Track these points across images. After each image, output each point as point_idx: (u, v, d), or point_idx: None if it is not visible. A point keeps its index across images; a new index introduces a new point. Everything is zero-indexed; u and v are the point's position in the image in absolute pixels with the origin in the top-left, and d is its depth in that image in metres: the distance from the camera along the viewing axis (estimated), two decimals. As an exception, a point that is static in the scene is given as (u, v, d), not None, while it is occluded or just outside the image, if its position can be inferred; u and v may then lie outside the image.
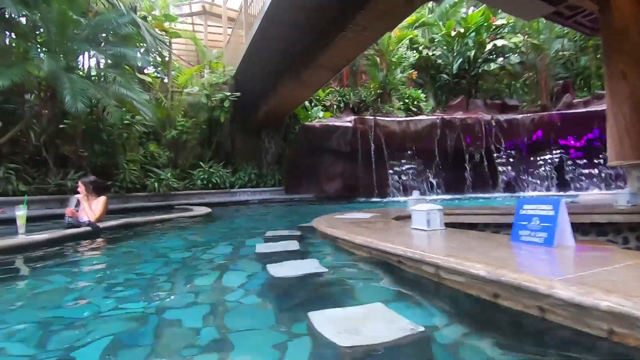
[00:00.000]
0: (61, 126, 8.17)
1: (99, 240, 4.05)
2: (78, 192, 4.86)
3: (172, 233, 4.70)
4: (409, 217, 4.12)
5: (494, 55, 14.82)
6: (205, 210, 6.80)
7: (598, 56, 14.78)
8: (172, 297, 1.93)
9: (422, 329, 1.18)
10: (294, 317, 1.48)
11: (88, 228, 4.13)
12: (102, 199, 4.89)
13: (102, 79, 7.56)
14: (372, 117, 11.70)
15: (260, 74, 10.27)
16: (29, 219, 3.78)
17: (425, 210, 2.55)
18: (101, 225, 4.39)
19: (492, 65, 15.88)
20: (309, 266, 2.18)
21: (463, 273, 1.50)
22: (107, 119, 7.63)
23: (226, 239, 4.04)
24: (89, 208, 4.73)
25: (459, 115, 12.25)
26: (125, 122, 8.30)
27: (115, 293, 1.98)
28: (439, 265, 1.65)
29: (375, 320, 1.29)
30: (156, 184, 9.20)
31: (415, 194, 4.45)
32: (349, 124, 11.48)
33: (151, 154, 10.21)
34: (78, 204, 4.84)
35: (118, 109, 6.73)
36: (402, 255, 1.94)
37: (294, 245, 3.18)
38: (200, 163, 11.01)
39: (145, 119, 8.05)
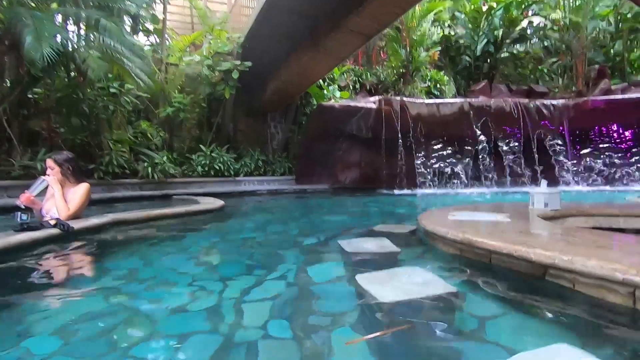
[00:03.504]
0: (30, 96, 6.53)
1: (71, 249, 2.55)
2: (47, 174, 3.30)
3: (179, 241, 3.15)
4: (560, 217, 2.75)
5: (528, 33, 13.47)
6: (217, 203, 5.29)
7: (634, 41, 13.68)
8: None
9: None
10: None
11: (53, 230, 2.60)
12: (83, 186, 3.32)
13: (82, 30, 5.73)
14: (399, 98, 10.24)
15: (274, 41, 8.68)
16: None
17: None
18: (77, 224, 2.87)
19: (519, 48, 14.60)
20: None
21: None
22: (88, 88, 5.96)
23: (267, 257, 2.55)
24: (62, 199, 3.19)
25: (494, 99, 10.89)
26: (112, 90, 6.62)
27: None
28: None
29: None
30: (150, 169, 7.59)
31: (544, 185, 3.07)
32: (373, 105, 10.00)
33: (143, 134, 8.53)
34: (44, 191, 3.31)
35: (102, 63, 5.02)
36: None
37: (439, 284, 1.67)
38: (201, 147, 9.41)
39: (141, 85, 6.34)
